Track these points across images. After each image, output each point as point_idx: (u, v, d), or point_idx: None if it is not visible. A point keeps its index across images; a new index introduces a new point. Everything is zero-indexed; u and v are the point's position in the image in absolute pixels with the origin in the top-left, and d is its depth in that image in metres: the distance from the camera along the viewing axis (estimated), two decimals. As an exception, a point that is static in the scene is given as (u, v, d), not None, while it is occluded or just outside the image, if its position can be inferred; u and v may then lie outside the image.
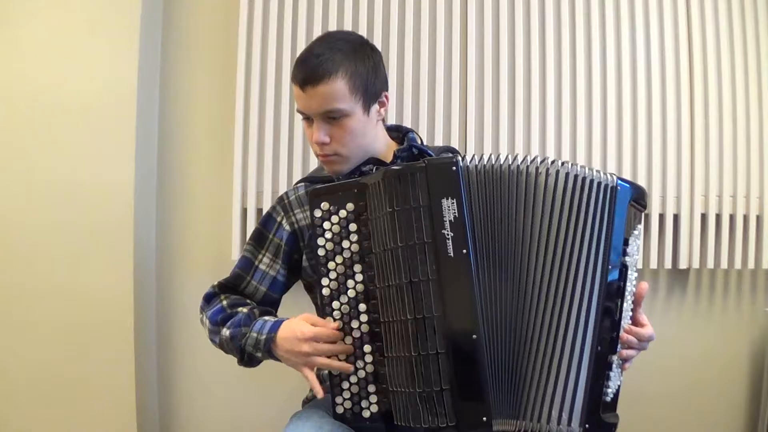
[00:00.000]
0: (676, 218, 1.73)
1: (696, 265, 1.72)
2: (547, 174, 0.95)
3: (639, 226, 1.02)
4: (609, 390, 0.97)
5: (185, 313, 1.80)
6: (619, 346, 0.97)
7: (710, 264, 1.72)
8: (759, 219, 1.73)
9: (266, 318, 1.11)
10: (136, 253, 1.68)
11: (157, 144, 1.79)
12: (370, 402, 0.99)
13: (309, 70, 1.06)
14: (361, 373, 0.99)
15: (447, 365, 0.92)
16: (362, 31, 1.70)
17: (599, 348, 0.94)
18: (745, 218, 1.73)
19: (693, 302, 1.80)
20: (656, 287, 1.80)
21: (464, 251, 0.93)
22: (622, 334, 0.97)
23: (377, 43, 1.70)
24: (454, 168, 0.94)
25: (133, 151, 1.67)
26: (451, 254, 0.93)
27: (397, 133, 1.26)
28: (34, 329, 1.68)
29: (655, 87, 1.73)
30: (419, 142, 1.23)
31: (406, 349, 0.94)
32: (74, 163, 1.67)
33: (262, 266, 1.20)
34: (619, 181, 0.96)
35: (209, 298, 1.22)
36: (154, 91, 1.78)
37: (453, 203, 0.93)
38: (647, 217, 1.72)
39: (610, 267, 0.95)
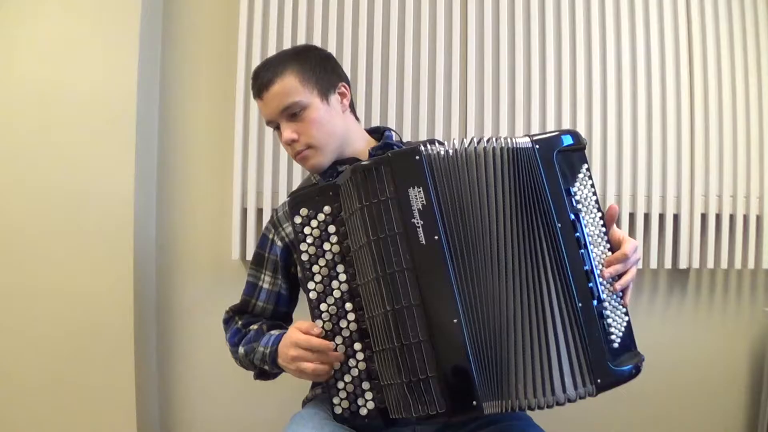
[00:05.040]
0: (676, 218, 1.73)
1: (696, 265, 1.72)
2: (494, 153, 0.97)
3: (584, 165, 1.00)
4: (613, 336, 0.96)
5: (185, 313, 1.80)
6: (601, 288, 0.97)
7: (710, 264, 1.72)
8: (759, 219, 1.73)
9: (273, 332, 1.14)
10: (136, 253, 1.68)
11: (157, 144, 1.79)
12: (366, 399, 0.99)
13: (261, 79, 1.16)
14: (354, 372, 1.00)
15: (430, 352, 0.92)
16: (362, 31, 1.71)
17: (580, 305, 0.94)
18: (745, 218, 1.73)
19: (693, 302, 1.80)
20: (656, 287, 1.80)
21: (435, 237, 0.93)
22: (604, 272, 0.97)
23: (377, 43, 1.71)
24: (417, 157, 0.96)
25: (133, 151, 1.67)
26: (423, 242, 0.94)
27: (378, 134, 1.29)
28: (33, 329, 1.68)
29: (655, 87, 1.73)
30: (397, 139, 1.25)
31: (390, 340, 0.94)
32: (74, 164, 1.67)
33: (265, 285, 1.25)
34: (520, 141, 0.98)
35: (227, 322, 1.28)
36: (154, 91, 1.78)
37: (420, 191, 0.94)
38: (647, 217, 1.72)
39: (559, 226, 0.95)
